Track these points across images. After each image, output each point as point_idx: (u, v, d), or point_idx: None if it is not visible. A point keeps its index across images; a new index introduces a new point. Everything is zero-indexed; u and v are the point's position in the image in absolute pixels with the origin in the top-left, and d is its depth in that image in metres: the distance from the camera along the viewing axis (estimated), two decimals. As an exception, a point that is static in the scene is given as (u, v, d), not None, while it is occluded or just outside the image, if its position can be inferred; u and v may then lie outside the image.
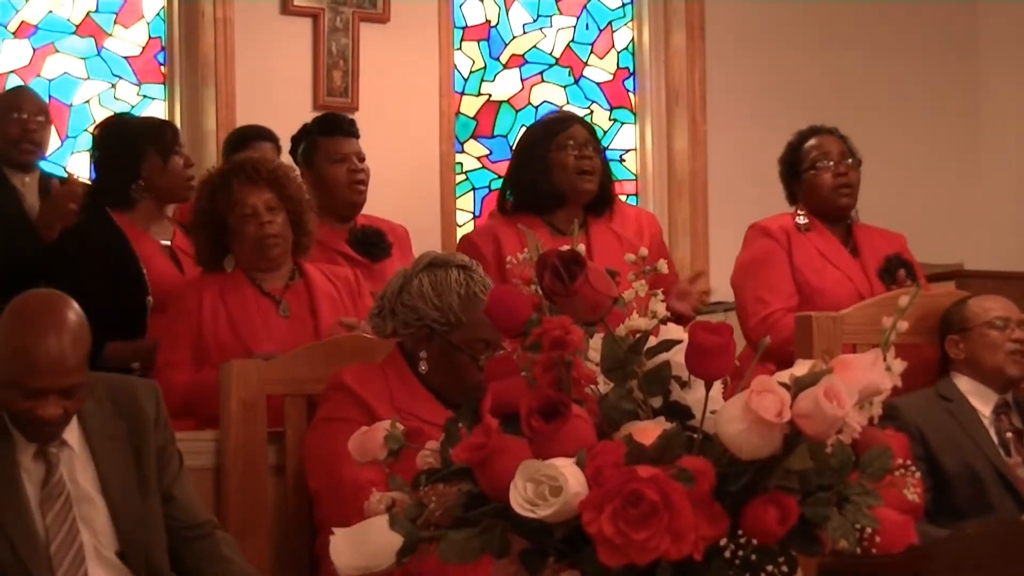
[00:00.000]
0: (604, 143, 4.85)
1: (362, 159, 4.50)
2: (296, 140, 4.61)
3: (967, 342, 3.89)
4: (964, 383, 3.87)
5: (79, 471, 2.73)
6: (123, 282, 4.05)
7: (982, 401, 3.84)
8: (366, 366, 3.19)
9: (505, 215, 4.21)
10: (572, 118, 4.40)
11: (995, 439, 3.77)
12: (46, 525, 2.66)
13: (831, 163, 4.36)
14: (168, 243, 4.31)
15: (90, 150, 4.54)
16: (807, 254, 4.31)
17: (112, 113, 5.40)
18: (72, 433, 2.74)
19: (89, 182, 4.36)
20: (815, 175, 4.38)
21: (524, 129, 4.54)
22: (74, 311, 2.70)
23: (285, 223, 3.76)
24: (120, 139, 4.37)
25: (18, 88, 4.90)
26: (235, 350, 3.57)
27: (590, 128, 4.32)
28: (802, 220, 4.37)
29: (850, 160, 4.40)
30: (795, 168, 4.43)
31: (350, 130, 4.54)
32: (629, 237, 4.20)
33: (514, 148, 4.40)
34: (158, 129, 4.47)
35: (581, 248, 1.93)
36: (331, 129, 4.54)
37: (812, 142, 4.43)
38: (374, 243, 4.43)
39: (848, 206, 4.40)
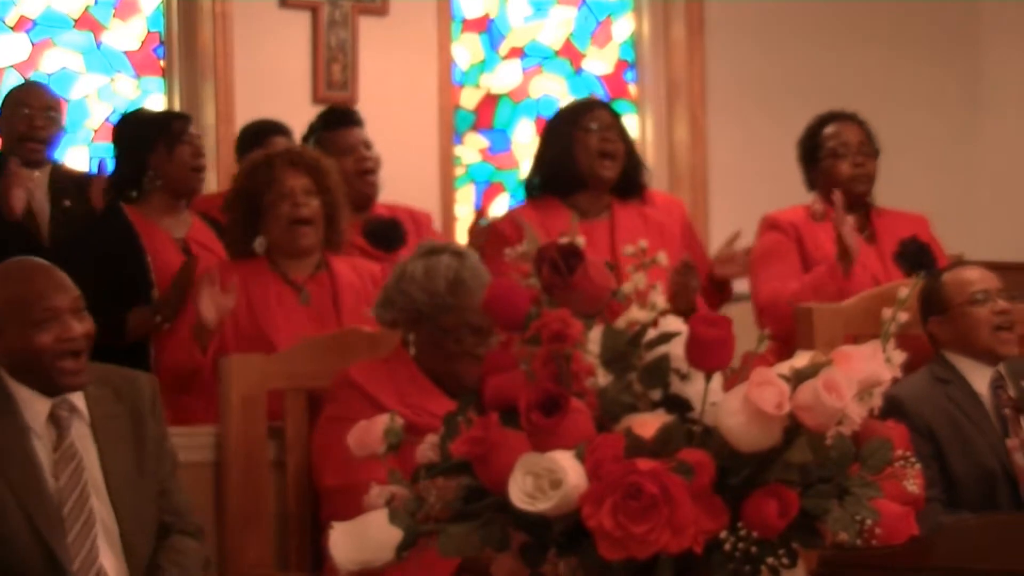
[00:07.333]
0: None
1: (369, 146, 4.51)
2: (304, 140, 4.60)
3: (951, 323, 3.73)
4: (957, 360, 3.71)
5: (85, 447, 2.76)
6: (125, 276, 4.04)
7: (978, 376, 3.69)
8: (372, 363, 3.20)
9: (532, 199, 4.21)
10: (597, 103, 4.45)
11: (996, 424, 3.65)
12: (59, 487, 2.70)
13: (849, 152, 4.32)
14: (182, 236, 4.29)
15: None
16: (819, 245, 4.25)
17: (114, 108, 5.40)
18: (79, 402, 2.77)
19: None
20: (833, 164, 4.32)
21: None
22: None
23: (319, 212, 3.75)
24: (130, 131, 4.37)
25: (28, 83, 4.87)
26: (254, 340, 3.57)
27: (615, 113, 4.31)
28: (819, 208, 4.33)
29: (868, 150, 4.35)
30: (813, 154, 4.37)
31: (352, 119, 4.55)
32: (658, 220, 4.17)
33: (542, 132, 4.41)
34: (164, 119, 4.47)
35: (581, 240, 1.93)
36: (333, 122, 4.54)
37: (831, 129, 4.36)
38: (387, 234, 4.41)
39: (863, 196, 4.35)
